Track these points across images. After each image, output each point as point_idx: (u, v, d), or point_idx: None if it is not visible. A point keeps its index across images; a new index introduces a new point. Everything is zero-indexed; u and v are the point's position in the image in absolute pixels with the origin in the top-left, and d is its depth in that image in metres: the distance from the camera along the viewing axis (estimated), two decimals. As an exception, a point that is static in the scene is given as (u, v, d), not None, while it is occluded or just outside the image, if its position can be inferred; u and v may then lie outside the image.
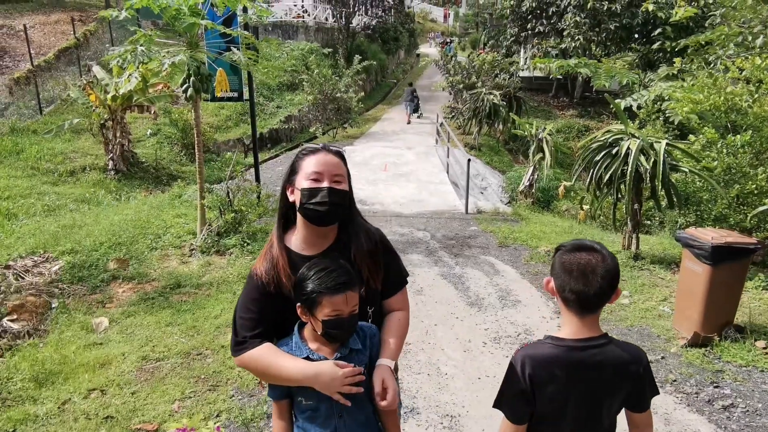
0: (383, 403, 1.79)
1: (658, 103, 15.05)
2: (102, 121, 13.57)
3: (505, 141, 19.35)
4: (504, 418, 1.77)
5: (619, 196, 7.05)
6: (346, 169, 1.96)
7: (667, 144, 6.77)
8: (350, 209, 1.96)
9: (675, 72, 19.36)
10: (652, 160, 6.63)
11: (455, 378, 4.17)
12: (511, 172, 15.11)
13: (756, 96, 7.21)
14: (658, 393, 1.78)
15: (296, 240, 1.95)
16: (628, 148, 6.77)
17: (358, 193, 12.28)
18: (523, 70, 24.02)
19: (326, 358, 1.79)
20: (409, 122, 20.79)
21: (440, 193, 12.09)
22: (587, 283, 1.65)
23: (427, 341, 4.89)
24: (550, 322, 5.34)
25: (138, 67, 6.92)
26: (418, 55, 40.35)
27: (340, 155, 1.97)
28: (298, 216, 1.92)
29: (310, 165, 1.88)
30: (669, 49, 21.29)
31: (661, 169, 6.56)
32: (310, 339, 1.84)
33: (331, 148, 1.96)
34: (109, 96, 13.22)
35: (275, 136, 18.28)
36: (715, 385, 4.14)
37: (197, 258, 7.37)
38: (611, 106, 18.47)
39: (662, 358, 4.66)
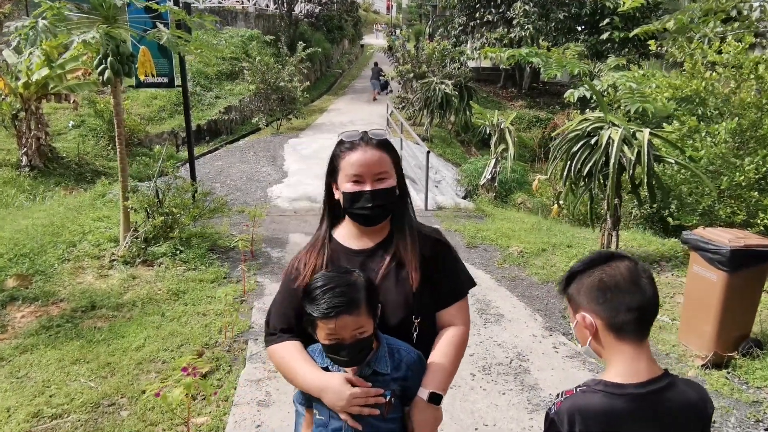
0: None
1: (608, 92, 14.75)
2: (14, 112, 12.02)
3: (457, 132, 18.72)
4: None
5: (598, 190, 6.39)
6: (391, 157, 1.79)
7: (650, 133, 6.13)
8: (400, 202, 1.83)
9: (624, 63, 19.32)
10: (636, 150, 5.98)
11: (445, 430, 3.30)
12: (465, 164, 14.44)
13: (740, 81, 6.69)
14: None
15: (345, 233, 1.85)
16: (610, 137, 6.09)
17: (307, 189, 11.35)
18: (472, 60, 23.45)
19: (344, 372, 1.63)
20: (375, 99, 22.03)
21: (395, 188, 11.23)
22: (643, 292, 1.35)
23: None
24: (544, 341, 4.57)
25: (39, 45, 5.70)
26: (362, 46, 39.40)
27: (384, 145, 1.79)
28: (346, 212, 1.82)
29: (350, 166, 1.75)
30: (617, 39, 21.27)
31: (645, 160, 5.92)
32: None
33: (372, 138, 1.78)
34: (20, 83, 11.68)
35: (214, 128, 16.96)
36: (758, 420, 3.45)
37: (119, 270, 6.23)
38: (562, 96, 18.17)
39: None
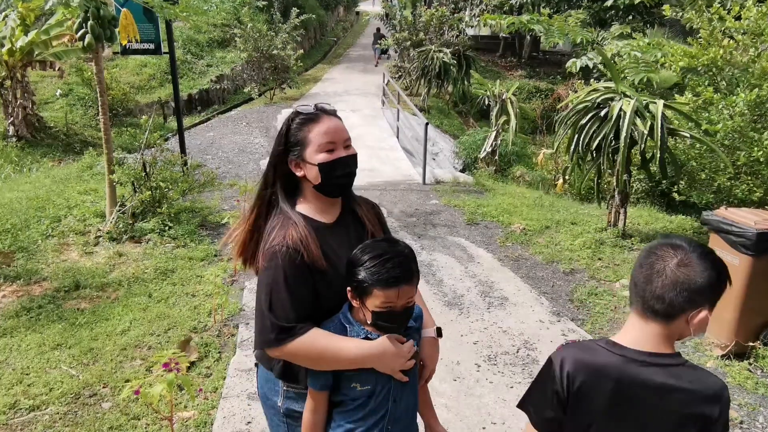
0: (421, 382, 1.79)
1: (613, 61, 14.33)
2: (-1, 80, 11.57)
3: (455, 103, 18.29)
4: (528, 423, 1.48)
5: (606, 165, 6.10)
6: None
7: (664, 105, 5.82)
8: None
9: (628, 31, 18.80)
10: (649, 123, 5.68)
11: (451, 428, 3.07)
12: (464, 136, 14.09)
13: (760, 50, 6.33)
14: None
15: (310, 209, 1.77)
16: (621, 109, 5.78)
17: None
18: (471, 27, 22.84)
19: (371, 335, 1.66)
20: (376, 64, 22.36)
21: (392, 160, 10.91)
22: (650, 278, 1.34)
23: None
24: (552, 328, 4.33)
25: (11, 6, 5.31)
26: (357, 13, 38.50)
27: (338, 116, 1.78)
28: (308, 189, 1.76)
29: (320, 136, 1.69)
30: (622, 6, 20.69)
31: (659, 133, 5.63)
32: (358, 320, 1.68)
33: (327, 109, 1.76)
34: (4, 50, 11.19)
35: (206, 98, 16.50)
36: (785, 418, 3.24)
37: (104, 247, 5.95)
38: (564, 66, 17.70)
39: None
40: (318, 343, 1.60)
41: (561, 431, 1.42)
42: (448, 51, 16.04)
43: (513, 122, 9.85)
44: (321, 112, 1.73)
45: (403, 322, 1.65)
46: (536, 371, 3.65)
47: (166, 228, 6.31)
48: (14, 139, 11.95)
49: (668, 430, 1.34)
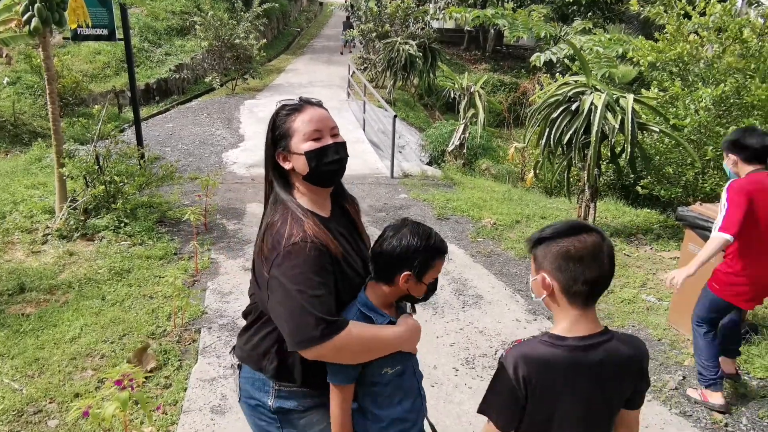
0: None
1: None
2: (-66, 67, 10.85)
3: (420, 96, 18.15)
4: (488, 423, 1.57)
5: (577, 159, 6.03)
6: None
7: (634, 99, 5.77)
8: None
9: (590, 26, 18.99)
10: (619, 117, 5.62)
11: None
12: (430, 129, 13.96)
13: (725, 46, 6.35)
14: (650, 385, 1.62)
15: (306, 203, 1.71)
16: (592, 103, 5.71)
17: (262, 154, 10.64)
18: (436, 20, 22.73)
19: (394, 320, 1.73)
20: (341, 53, 22.74)
21: (359, 153, 10.69)
22: (601, 268, 1.46)
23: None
24: (529, 327, 4.21)
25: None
26: (321, 3, 37.98)
27: (323, 105, 1.76)
28: (299, 181, 1.72)
29: (305, 125, 1.67)
30: (583, 2, 20.91)
31: (629, 127, 5.57)
32: (382, 305, 1.71)
33: (312, 100, 1.74)
34: (-58, 34, 10.47)
35: (164, 88, 15.89)
36: (770, 419, 3.18)
37: (53, 246, 5.57)
38: (528, 60, 17.70)
39: (683, 378, 3.66)
40: (365, 333, 1.61)
41: (520, 425, 1.54)
42: (413, 43, 15.85)
43: (481, 115, 9.76)
44: (305, 103, 1.72)
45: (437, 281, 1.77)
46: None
47: (122, 225, 5.96)
48: (-44, 130, 11.28)
49: (617, 394, 1.54)
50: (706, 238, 3.85)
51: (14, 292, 4.63)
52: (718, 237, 3.03)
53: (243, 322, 1.84)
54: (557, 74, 11.09)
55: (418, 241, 1.65)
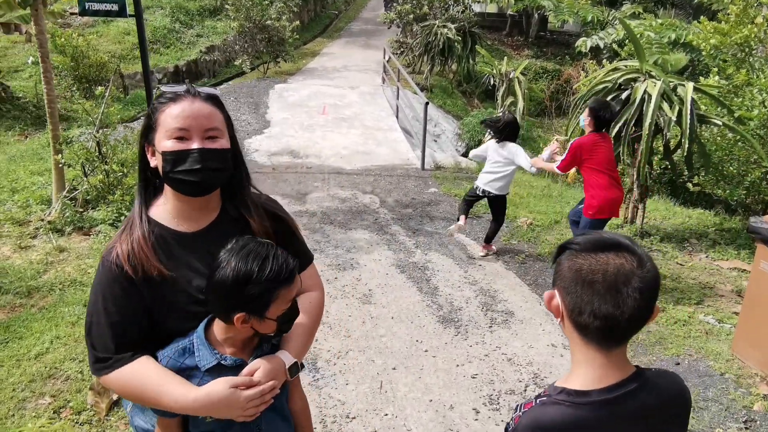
0: (265, 384, 1.42)
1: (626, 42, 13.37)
2: (-44, 46, 10.67)
3: (459, 82, 17.30)
4: None
5: (626, 154, 5.27)
6: (223, 116, 1.51)
7: (695, 88, 4.95)
8: (237, 170, 1.55)
9: (640, 11, 17.75)
10: (677, 108, 4.82)
11: None
12: (468, 117, 13.16)
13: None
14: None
15: (166, 212, 1.50)
16: (646, 92, 4.92)
17: (289, 141, 10.15)
18: (477, 3, 21.75)
19: (243, 362, 1.43)
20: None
21: (390, 142, 10.05)
22: (619, 303, 1.10)
23: (380, 406, 2.97)
24: (566, 355, 3.55)
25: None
26: (361, -14, 37.15)
27: (213, 99, 1.49)
28: (166, 184, 1.48)
29: (170, 119, 1.41)
30: (635, -16, 19.59)
31: (688, 120, 4.77)
32: (223, 342, 1.44)
33: (199, 91, 1.47)
34: (-36, 12, 10.25)
35: (194, 70, 15.52)
36: None
37: (44, 240, 5.13)
38: (573, 46, 16.64)
39: (747, 429, 2.93)
40: (134, 382, 1.38)
41: None
42: (452, 27, 15.05)
43: (520, 103, 8.97)
44: (186, 94, 1.45)
45: (297, 312, 1.49)
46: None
47: (121, 218, 5.48)
48: (-25, 111, 11.10)
49: None
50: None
51: (-10, 293, 4.18)
52: None
53: None
54: (604, 61, 10.14)
55: (248, 271, 1.36)
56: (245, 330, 1.41)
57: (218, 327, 1.44)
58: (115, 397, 3.03)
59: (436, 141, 11.64)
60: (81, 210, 5.53)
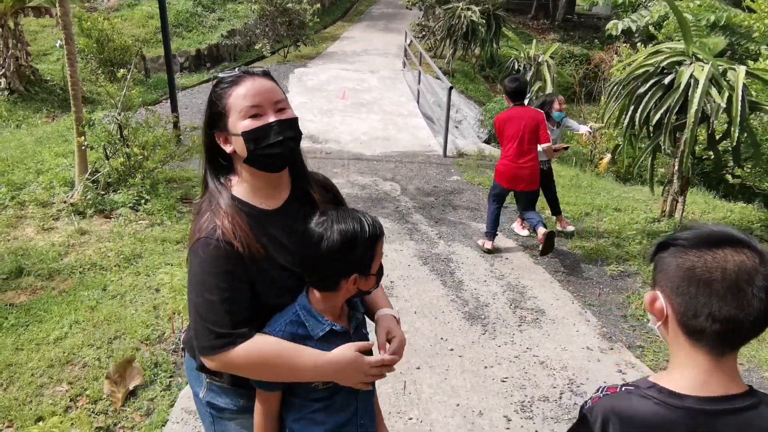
0: (389, 357, 1.50)
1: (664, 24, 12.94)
2: (-12, 29, 10.74)
3: (482, 67, 16.97)
4: None
5: (669, 143, 5.04)
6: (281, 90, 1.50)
7: (748, 73, 4.70)
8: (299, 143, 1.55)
9: (674, -8, 17.20)
10: (726, 94, 4.57)
11: None
12: (490, 103, 12.91)
13: None
14: None
15: (245, 192, 1.50)
16: (692, 76, 4.68)
17: (308, 126, 9.98)
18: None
19: (347, 330, 1.50)
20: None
21: (410, 128, 9.87)
22: (743, 304, 0.99)
23: (405, 409, 2.83)
24: (603, 359, 3.35)
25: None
26: (383, -31, 36.68)
27: (269, 75, 1.50)
28: (242, 166, 1.48)
29: (241, 99, 1.42)
30: (668, -34, 19.01)
31: (738, 107, 4.53)
32: (321, 312, 1.47)
33: (254, 70, 1.47)
34: (-7, -5, 10.30)
35: (215, 54, 15.43)
36: None
37: (66, 222, 5.08)
38: (602, 30, 16.18)
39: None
40: (268, 352, 1.39)
41: None
42: (477, 9, 14.72)
43: (549, 89, 8.71)
44: (244, 74, 1.46)
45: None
46: None
47: (142, 201, 5.42)
48: (6, 93, 11.16)
49: None
50: None
51: (10, 276, 4.14)
52: None
53: None
54: (638, 44, 9.80)
55: (354, 233, 1.42)
56: (346, 294, 1.47)
57: (315, 299, 1.47)
58: (131, 387, 2.96)
59: (457, 127, 11.43)
60: (102, 193, 5.48)
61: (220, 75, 1.48)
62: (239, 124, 1.41)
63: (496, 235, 4.95)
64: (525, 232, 5.30)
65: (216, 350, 1.37)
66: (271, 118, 1.42)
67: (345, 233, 1.40)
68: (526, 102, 5.29)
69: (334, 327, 1.47)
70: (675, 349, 1.11)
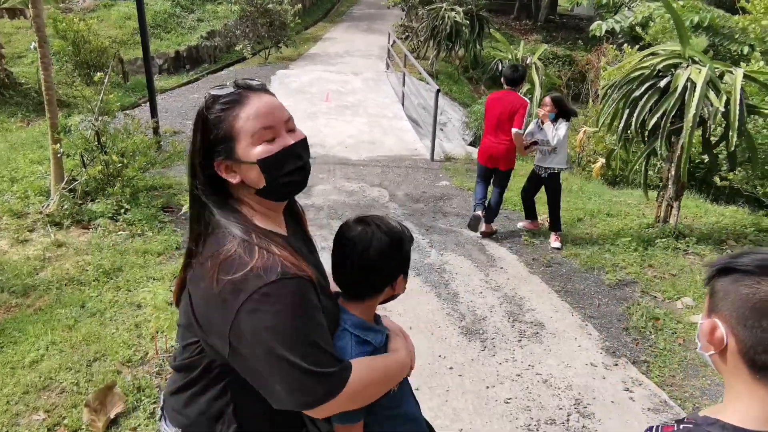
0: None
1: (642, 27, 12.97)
2: (-44, 30, 10.36)
3: (465, 68, 16.91)
4: None
5: (664, 148, 4.96)
6: None
7: (745, 75, 4.64)
8: None
9: (656, -7, 17.29)
10: (724, 98, 4.51)
11: None
12: (475, 105, 12.83)
13: None
14: None
15: (258, 219, 1.31)
16: (689, 79, 4.60)
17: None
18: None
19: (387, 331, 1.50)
20: None
21: (396, 130, 9.73)
22: None
23: None
24: (609, 377, 3.23)
25: None
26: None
27: (268, 90, 1.32)
28: (246, 195, 1.30)
29: (252, 122, 1.22)
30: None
31: (737, 111, 4.47)
32: (371, 319, 1.48)
33: (254, 85, 1.28)
34: (-39, -5, 9.96)
35: (195, 56, 15.13)
36: None
37: (42, 234, 4.85)
38: (583, 31, 16.18)
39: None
40: (372, 373, 1.31)
41: None
42: (460, 10, 14.65)
43: (538, 91, 8.64)
44: (246, 90, 1.26)
45: None
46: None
47: (121, 211, 5.20)
48: (-22, 96, 10.81)
49: None
50: None
51: (-19, 294, 3.91)
52: None
53: None
54: (624, 45, 9.78)
55: (400, 234, 1.41)
56: (385, 297, 1.45)
57: (361, 311, 1.45)
58: (113, 415, 2.78)
59: (442, 129, 11.31)
60: (80, 202, 5.25)
61: (215, 92, 1.27)
62: (252, 151, 1.23)
63: (485, 208, 5.18)
64: (557, 244, 5.15)
65: (336, 392, 1.21)
66: (288, 141, 1.26)
67: (392, 233, 1.38)
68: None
69: (387, 331, 1.47)
70: (732, 381, 1.04)
